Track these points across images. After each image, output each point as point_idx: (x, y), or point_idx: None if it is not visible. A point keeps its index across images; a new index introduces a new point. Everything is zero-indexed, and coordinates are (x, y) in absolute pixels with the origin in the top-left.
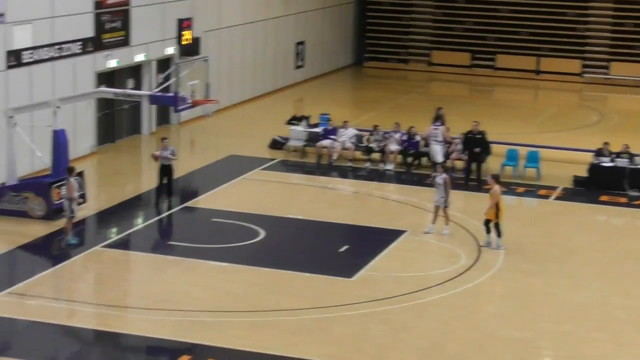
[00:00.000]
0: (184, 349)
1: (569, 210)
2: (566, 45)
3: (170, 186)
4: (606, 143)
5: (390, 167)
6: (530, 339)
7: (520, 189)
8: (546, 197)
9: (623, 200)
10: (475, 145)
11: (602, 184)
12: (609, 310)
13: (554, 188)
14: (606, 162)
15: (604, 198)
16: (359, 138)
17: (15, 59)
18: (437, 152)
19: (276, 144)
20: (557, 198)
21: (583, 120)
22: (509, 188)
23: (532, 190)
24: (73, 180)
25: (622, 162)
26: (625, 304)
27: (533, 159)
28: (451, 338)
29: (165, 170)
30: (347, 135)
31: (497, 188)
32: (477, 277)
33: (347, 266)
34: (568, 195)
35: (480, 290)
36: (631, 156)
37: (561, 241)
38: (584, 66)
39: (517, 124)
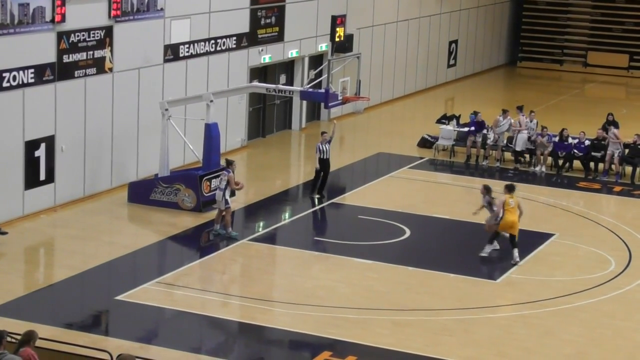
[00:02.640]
0: (326, 345)
1: None
2: None
3: (324, 181)
4: None
5: (540, 169)
6: None
7: None
8: None
9: None
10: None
11: None
12: None
13: None
14: None
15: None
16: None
17: (172, 52)
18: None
19: (425, 143)
20: None
21: None
22: None
23: None
24: (231, 173)
25: None
26: None
27: None
28: (598, 345)
29: (324, 165)
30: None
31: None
32: (628, 283)
33: (493, 268)
34: None
35: (630, 297)
36: None
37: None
38: None
39: None
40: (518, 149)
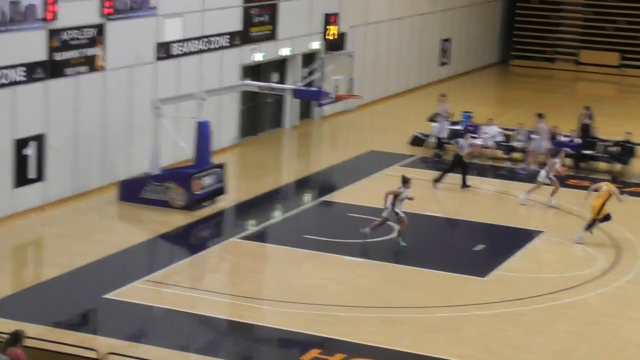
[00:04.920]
0: (315, 343)
1: None
2: None
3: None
4: None
5: (532, 167)
6: None
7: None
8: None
9: None
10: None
11: None
12: None
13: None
14: None
15: None
16: (504, 137)
17: (164, 51)
18: None
19: (417, 141)
20: None
21: None
22: None
23: None
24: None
25: None
26: None
27: None
28: (586, 342)
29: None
30: (490, 133)
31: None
32: (615, 280)
33: (482, 265)
34: None
35: (618, 294)
36: None
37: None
38: None
39: None
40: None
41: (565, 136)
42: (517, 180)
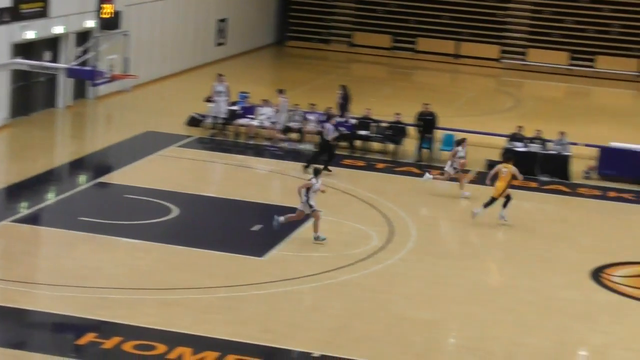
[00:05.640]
0: (91, 327)
1: (482, 194)
2: (485, 30)
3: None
4: (520, 127)
5: (307, 146)
6: (438, 320)
7: (435, 172)
8: (456, 180)
9: (534, 184)
10: (427, 125)
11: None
12: (516, 293)
13: (467, 171)
14: (520, 147)
15: (515, 182)
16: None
17: None
18: None
19: (194, 122)
20: (471, 182)
21: (499, 104)
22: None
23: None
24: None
25: (535, 148)
26: (531, 287)
27: (449, 142)
28: (360, 318)
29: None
30: (265, 114)
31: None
32: (388, 258)
33: (259, 245)
34: (481, 178)
35: (391, 272)
36: (543, 142)
37: (472, 225)
38: (502, 52)
39: (436, 108)
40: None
41: (340, 117)
42: (293, 160)
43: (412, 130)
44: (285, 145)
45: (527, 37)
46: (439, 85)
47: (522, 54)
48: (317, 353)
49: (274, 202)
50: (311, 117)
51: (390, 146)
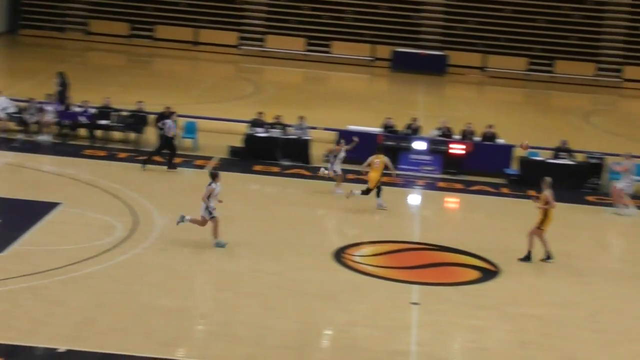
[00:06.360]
0: None
1: (224, 180)
2: (223, 17)
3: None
4: (260, 113)
5: (45, 138)
6: (186, 307)
7: (178, 160)
8: (202, 167)
9: (276, 169)
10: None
11: (257, 153)
12: (260, 277)
13: (209, 158)
14: (260, 133)
15: (257, 167)
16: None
17: None
18: None
19: None
20: (199, 166)
21: (239, 91)
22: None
23: (189, 161)
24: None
25: (276, 133)
26: (276, 270)
27: (191, 129)
28: (106, 310)
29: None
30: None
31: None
32: (134, 248)
33: None
34: (224, 165)
35: (137, 261)
36: (284, 127)
37: (219, 210)
38: (241, 38)
39: (176, 95)
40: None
41: (79, 106)
42: (30, 152)
43: (152, 119)
44: (21, 137)
45: (265, 24)
46: (178, 72)
47: (261, 40)
48: (62, 348)
49: (12, 195)
50: (49, 107)
51: (132, 135)
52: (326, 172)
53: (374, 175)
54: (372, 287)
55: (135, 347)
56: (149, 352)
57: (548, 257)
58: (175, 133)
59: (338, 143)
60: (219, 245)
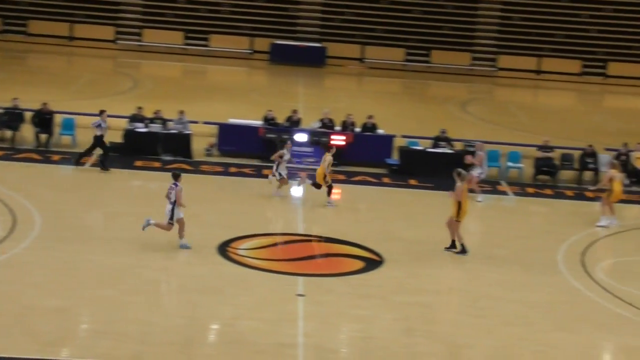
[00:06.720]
0: None
1: (106, 177)
2: (99, 12)
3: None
4: (140, 108)
5: None
6: (70, 306)
7: (56, 157)
8: (83, 164)
9: (157, 164)
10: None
11: (137, 149)
12: (144, 273)
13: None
14: (140, 128)
15: (138, 163)
16: None
17: None
18: None
19: None
20: (93, 165)
21: (118, 86)
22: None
23: (68, 158)
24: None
25: (156, 128)
26: (160, 266)
27: (69, 126)
28: None
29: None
30: None
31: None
32: (13, 247)
33: None
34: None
35: (17, 261)
36: (164, 121)
37: (99, 207)
38: (117, 33)
39: (53, 91)
40: None
41: None
42: None
43: (28, 116)
44: None
45: (142, 18)
46: (54, 68)
47: (138, 34)
48: None
49: None
50: None
51: (8, 132)
52: (272, 177)
53: (321, 171)
54: (257, 280)
55: (18, 348)
56: (32, 353)
57: (453, 247)
58: (103, 133)
59: (283, 145)
60: (185, 247)
